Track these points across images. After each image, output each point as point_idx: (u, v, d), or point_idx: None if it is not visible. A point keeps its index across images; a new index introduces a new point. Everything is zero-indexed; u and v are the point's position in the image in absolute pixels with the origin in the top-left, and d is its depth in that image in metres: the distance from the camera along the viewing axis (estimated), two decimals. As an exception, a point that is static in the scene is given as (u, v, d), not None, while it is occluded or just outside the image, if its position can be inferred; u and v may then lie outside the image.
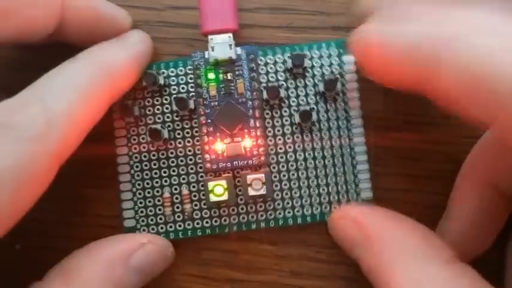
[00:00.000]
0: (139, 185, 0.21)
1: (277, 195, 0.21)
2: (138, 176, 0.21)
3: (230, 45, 0.20)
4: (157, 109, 0.21)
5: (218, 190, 0.20)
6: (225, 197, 0.20)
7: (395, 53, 0.16)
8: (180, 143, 0.21)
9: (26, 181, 0.15)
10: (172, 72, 0.21)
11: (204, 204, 0.21)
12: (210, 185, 0.20)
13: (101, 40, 0.20)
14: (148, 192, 0.21)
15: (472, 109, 0.14)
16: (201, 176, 0.21)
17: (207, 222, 0.21)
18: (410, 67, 0.15)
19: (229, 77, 0.21)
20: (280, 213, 0.21)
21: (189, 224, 0.21)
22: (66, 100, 0.17)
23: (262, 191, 0.20)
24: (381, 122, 0.21)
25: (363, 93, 0.21)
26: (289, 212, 0.21)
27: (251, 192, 0.20)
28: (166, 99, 0.21)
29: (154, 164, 0.21)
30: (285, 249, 0.21)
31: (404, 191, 0.21)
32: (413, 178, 0.21)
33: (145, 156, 0.21)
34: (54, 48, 0.17)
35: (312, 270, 0.21)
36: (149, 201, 0.21)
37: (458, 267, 0.16)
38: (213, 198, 0.20)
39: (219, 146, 0.20)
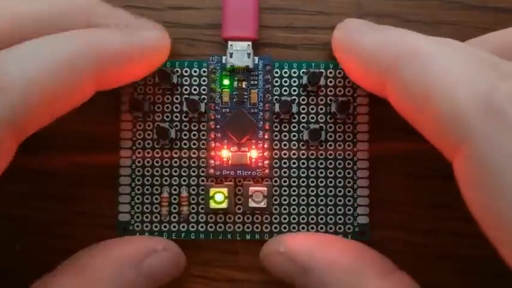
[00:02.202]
0: (138, 180, 0.21)
1: (276, 209, 0.21)
2: (138, 171, 0.21)
3: (249, 53, 0.20)
4: (167, 107, 0.21)
5: (218, 197, 0.20)
6: (224, 205, 0.20)
7: (358, 56, 0.17)
8: (185, 144, 0.21)
9: None
10: (186, 72, 0.21)
11: (202, 208, 0.21)
12: (211, 191, 0.20)
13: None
14: (147, 190, 0.21)
15: (431, 130, 0.15)
16: (202, 180, 0.21)
17: (202, 227, 0.21)
18: (372, 72, 0.17)
19: (243, 86, 0.21)
20: (276, 228, 0.21)
21: (183, 227, 0.21)
22: (32, 67, 0.15)
23: (263, 204, 0.20)
24: (381, 122, 0.21)
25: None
26: (285, 228, 0.21)
27: (252, 204, 0.20)
28: (177, 99, 0.21)
29: (157, 162, 0.21)
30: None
31: (405, 191, 0.21)
32: (413, 178, 0.21)
33: (148, 153, 0.21)
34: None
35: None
36: (147, 199, 0.21)
37: (394, 278, 0.17)
38: (212, 205, 0.20)
39: (225, 153, 0.20)
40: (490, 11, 0.22)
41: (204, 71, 0.21)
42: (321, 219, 0.21)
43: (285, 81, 0.21)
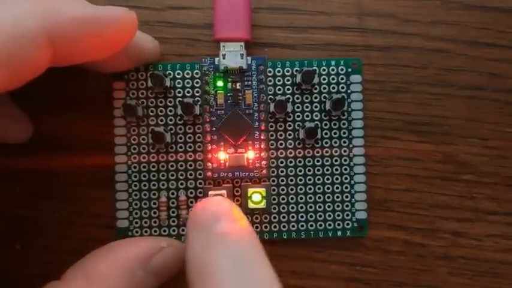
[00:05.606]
0: (135, 186, 0.21)
1: (274, 208, 0.21)
2: (135, 177, 0.21)
3: (242, 54, 0.20)
4: (161, 111, 0.21)
5: (217, 200, 0.20)
6: (224, 207, 0.20)
7: None
8: (181, 148, 0.21)
9: None
10: (178, 74, 0.21)
11: (201, 211, 0.21)
12: (211, 194, 0.20)
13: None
14: (145, 195, 0.21)
15: None
16: (200, 183, 0.21)
17: (201, 230, 0.21)
18: None
19: (237, 87, 0.20)
20: (275, 227, 0.21)
21: (183, 230, 0.21)
22: None
23: (262, 205, 0.20)
24: (381, 122, 0.22)
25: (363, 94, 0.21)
26: (284, 226, 0.21)
27: (251, 205, 0.20)
28: (170, 102, 0.21)
29: (153, 167, 0.21)
30: (285, 249, 0.21)
31: (404, 191, 0.22)
32: (413, 178, 0.22)
33: (144, 158, 0.21)
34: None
35: (312, 270, 0.21)
36: (145, 204, 0.21)
37: None
38: (212, 208, 0.20)
39: (222, 155, 0.20)
40: (490, 11, 0.22)
41: (196, 73, 0.21)
42: (320, 216, 0.21)
43: (279, 81, 0.21)
